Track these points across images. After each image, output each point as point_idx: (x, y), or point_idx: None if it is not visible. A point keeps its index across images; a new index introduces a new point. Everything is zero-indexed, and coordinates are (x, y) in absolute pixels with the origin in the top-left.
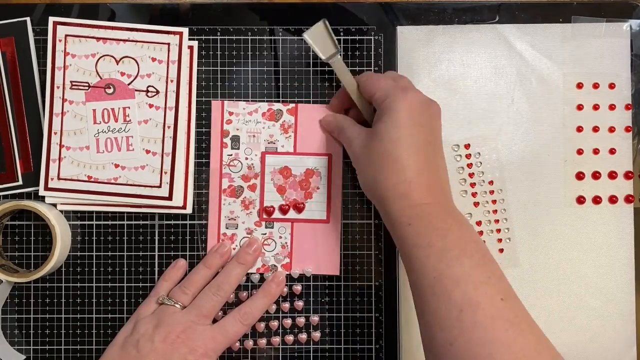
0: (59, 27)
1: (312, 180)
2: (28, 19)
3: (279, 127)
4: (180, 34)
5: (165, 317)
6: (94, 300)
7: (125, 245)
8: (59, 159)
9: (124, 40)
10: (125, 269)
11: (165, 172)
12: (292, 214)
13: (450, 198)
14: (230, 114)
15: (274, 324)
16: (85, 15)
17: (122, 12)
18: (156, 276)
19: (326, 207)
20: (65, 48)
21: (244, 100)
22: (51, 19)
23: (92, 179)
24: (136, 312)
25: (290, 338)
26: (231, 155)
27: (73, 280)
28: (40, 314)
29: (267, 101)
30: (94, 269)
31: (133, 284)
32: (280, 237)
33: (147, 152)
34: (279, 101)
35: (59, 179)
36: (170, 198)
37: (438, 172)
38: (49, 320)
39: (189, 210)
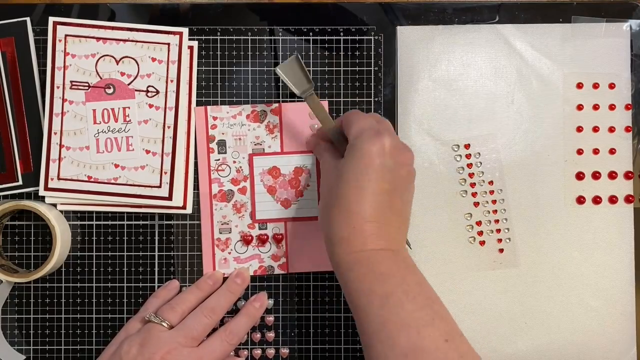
0: (59, 27)
1: (302, 178)
2: (28, 19)
3: (264, 128)
4: (180, 34)
5: (151, 336)
6: (94, 300)
7: (125, 245)
8: (59, 159)
9: (124, 40)
10: (125, 269)
11: (165, 172)
12: (284, 213)
13: (400, 243)
14: (215, 118)
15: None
16: (85, 15)
17: (122, 12)
18: (156, 276)
19: (317, 203)
20: (65, 48)
21: (227, 104)
22: (51, 19)
23: (92, 179)
24: (124, 329)
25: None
26: (219, 160)
27: (73, 280)
28: (40, 314)
29: (250, 102)
30: (94, 269)
31: (133, 284)
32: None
33: (147, 152)
34: (263, 102)
35: (58, 179)
36: (170, 198)
37: (389, 221)
38: (49, 321)
39: (189, 210)
